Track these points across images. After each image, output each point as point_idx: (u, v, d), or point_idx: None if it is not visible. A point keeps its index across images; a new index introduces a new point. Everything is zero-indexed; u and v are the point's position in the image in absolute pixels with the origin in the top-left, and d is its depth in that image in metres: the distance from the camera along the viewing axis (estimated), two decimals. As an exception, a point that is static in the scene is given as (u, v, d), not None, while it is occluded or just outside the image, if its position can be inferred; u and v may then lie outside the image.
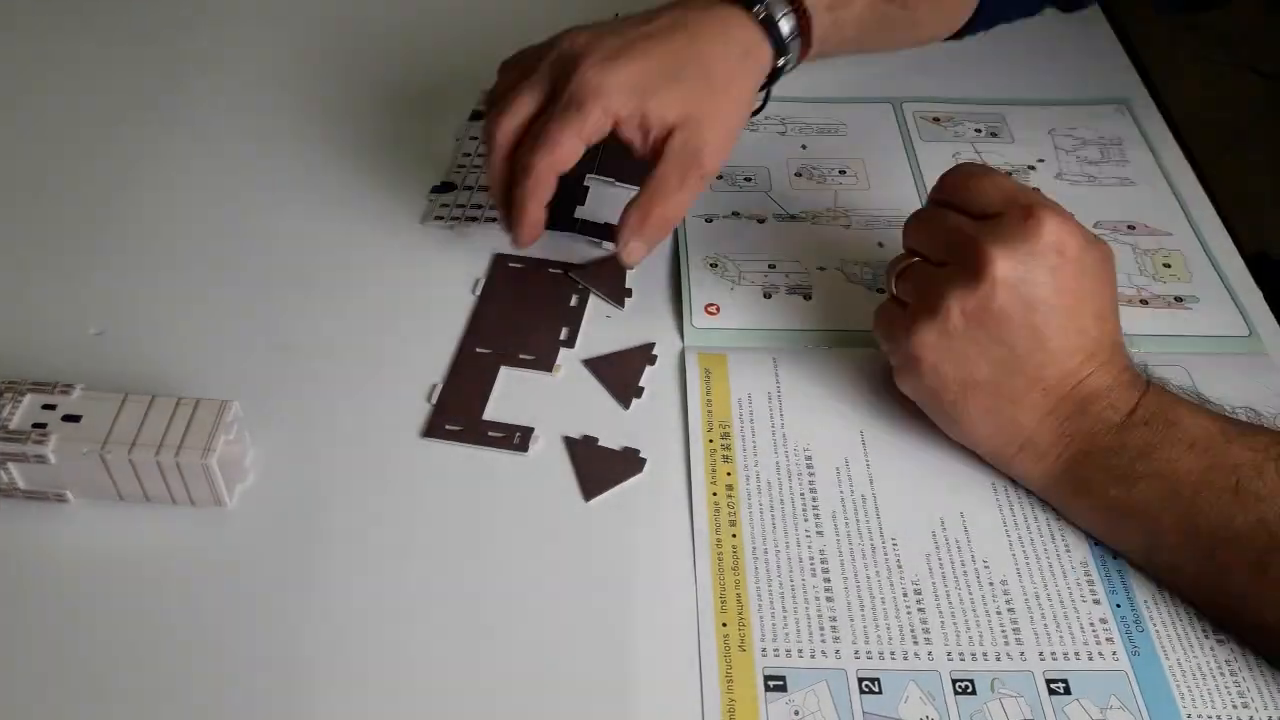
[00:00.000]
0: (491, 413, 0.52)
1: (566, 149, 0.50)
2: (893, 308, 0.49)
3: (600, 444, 0.51)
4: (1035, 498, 0.49)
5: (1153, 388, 0.46)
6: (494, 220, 0.61)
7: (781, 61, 0.55)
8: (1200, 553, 0.44)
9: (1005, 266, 0.44)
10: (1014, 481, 0.49)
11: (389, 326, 0.56)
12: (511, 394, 0.53)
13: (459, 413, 0.52)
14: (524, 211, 0.52)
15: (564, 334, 0.55)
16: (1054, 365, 0.45)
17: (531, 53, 0.54)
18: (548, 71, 0.52)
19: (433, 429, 0.51)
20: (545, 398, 0.53)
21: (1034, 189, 0.47)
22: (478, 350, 0.54)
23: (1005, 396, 0.46)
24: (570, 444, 0.50)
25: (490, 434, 0.51)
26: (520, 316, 0.56)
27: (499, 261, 0.59)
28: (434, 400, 0.52)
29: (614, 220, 0.61)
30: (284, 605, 0.45)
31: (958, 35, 0.68)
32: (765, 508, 0.49)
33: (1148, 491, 0.44)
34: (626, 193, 0.63)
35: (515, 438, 0.51)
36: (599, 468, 0.50)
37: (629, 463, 0.50)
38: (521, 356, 0.54)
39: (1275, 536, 0.42)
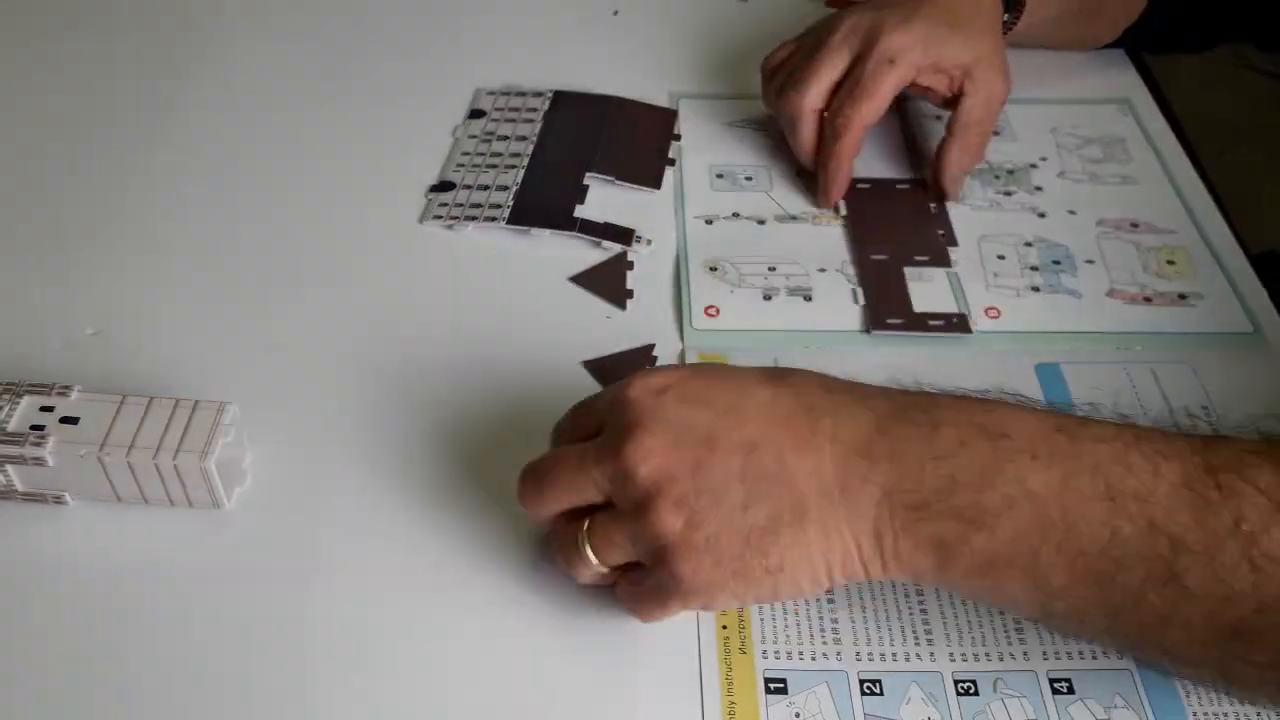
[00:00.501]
0: (491, 413, 0.52)
1: (885, 96, 0.59)
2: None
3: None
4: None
5: (941, 402, 0.39)
6: (493, 219, 0.60)
7: (1009, 18, 0.63)
8: (1099, 585, 0.36)
9: (646, 451, 0.38)
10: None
11: (387, 326, 0.56)
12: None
13: None
14: (842, 168, 0.60)
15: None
16: (774, 449, 0.38)
17: (810, 37, 0.62)
18: (847, 40, 0.60)
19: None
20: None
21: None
22: None
23: (788, 510, 0.38)
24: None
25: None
26: None
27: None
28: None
29: (614, 220, 0.61)
30: (282, 607, 0.45)
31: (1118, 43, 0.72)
32: (766, 508, 0.48)
33: (1013, 527, 0.36)
34: (626, 191, 0.63)
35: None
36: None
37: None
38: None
39: (1175, 539, 0.35)
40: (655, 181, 0.63)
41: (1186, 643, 0.37)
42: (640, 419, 0.39)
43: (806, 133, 0.61)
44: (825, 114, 0.60)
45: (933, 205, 0.62)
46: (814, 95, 0.60)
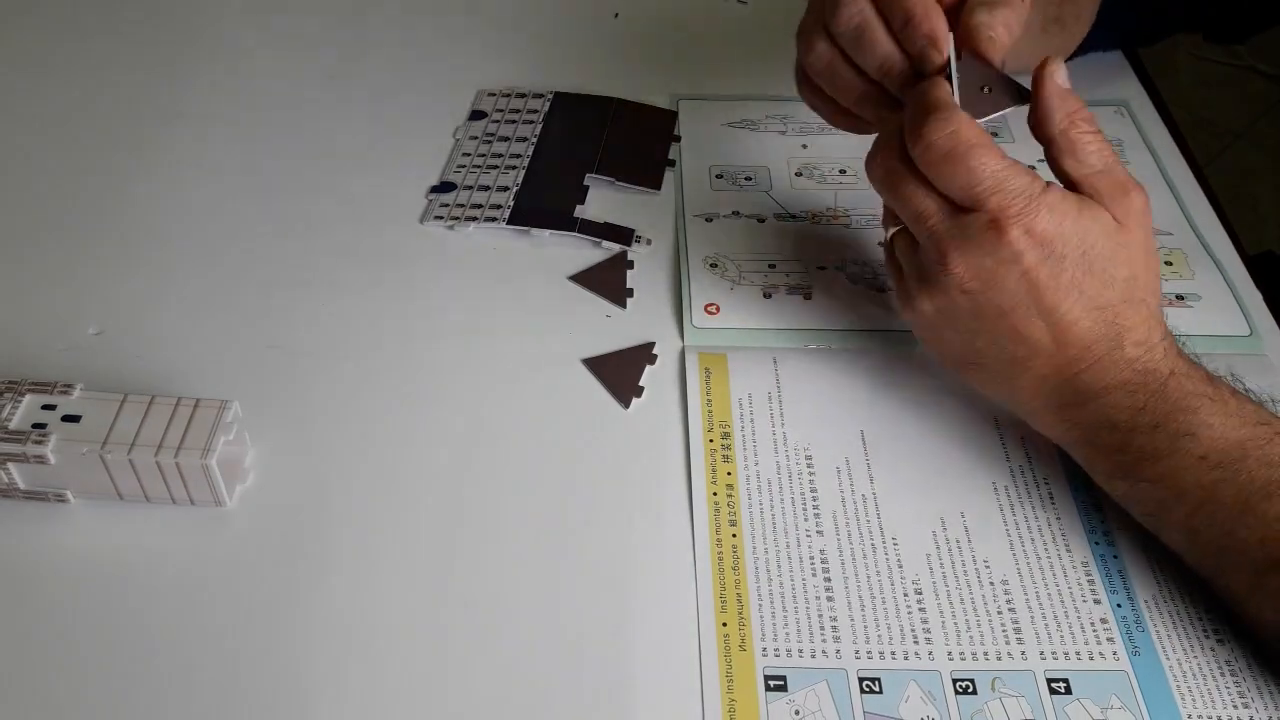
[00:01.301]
0: (491, 413, 0.52)
1: None
2: (896, 269, 0.49)
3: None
4: (1037, 498, 0.49)
5: (1172, 386, 0.44)
6: (494, 220, 0.61)
7: None
8: (1199, 553, 0.44)
9: (963, 277, 0.44)
10: (1015, 481, 0.49)
11: (388, 326, 0.56)
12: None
13: None
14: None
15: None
16: (1041, 357, 0.44)
17: None
18: None
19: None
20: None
21: (1014, 178, 0.43)
22: None
23: (1000, 375, 0.46)
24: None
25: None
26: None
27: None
28: None
29: (614, 220, 0.61)
30: (284, 605, 0.45)
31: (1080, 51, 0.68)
32: (765, 508, 0.49)
33: (1151, 492, 0.44)
34: (626, 192, 0.63)
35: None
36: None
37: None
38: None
39: (1276, 559, 0.41)
40: (655, 183, 0.64)
41: (1255, 610, 0.43)
42: (993, 251, 0.43)
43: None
44: None
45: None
46: None
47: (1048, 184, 0.44)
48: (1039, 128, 0.46)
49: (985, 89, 0.47)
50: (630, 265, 0.59)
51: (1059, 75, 0.45)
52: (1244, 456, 0.42)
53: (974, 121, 0.44)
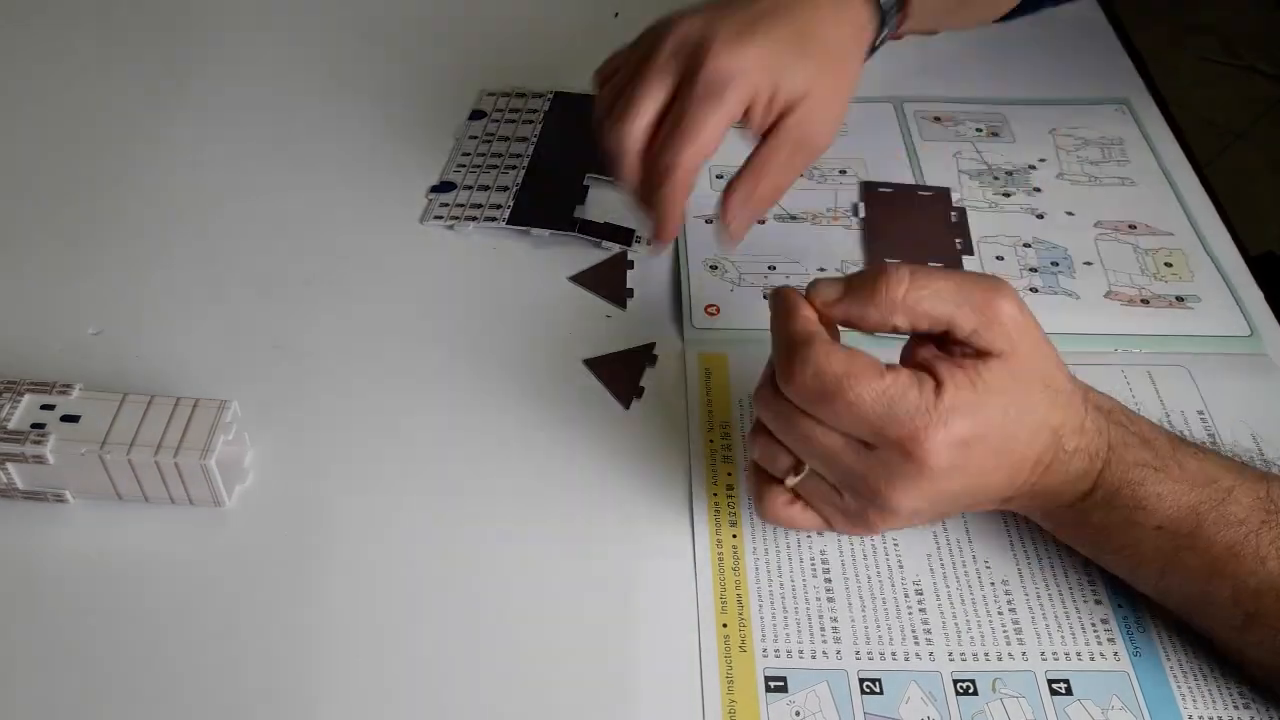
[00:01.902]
0: (491, 413, 0.52)
1: (712, 136, 0.48)
2: (808, 516, 0.44)
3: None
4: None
5: (1113, 462, 0.42)
6: (494, 220, 0.61)
7: (879, 38, 0.54)
8: (1179, 606, 0.44)
9: (906, 505, 0.41)
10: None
11: (388, 326, 0.56)
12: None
13: None
14: (672, 211, 0.50)
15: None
16: (1001, 495, 0.43)
17: (638, 49, 0.51)
18: (671, 61, 0.49)
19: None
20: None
21: (901, 399, 0.39)
22: None
23: (962, 510, 0.46)
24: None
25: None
26: None
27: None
28: None
29: (614, 220, 0.61)
30: (283, 605, 0.45)
31: (1005, 18, 0.66)
32: (766, 508, 0.48)
33: (1118, 562, 0.44)
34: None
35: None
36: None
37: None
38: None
39: (1252, 614, 0.40)
40: None
41: (1238, 654, 0.43)
42: (919, 478, 0.40)
43: (629, 172, 0.50)
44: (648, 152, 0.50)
45: (953, 214, 0.61)
46: (633, 133, 0.49)
47: (936, 384, 0.39)
48: (872, 328, 0.42)
49: None
50: (630, 265, 0.59)
51: (823, 291, 0.42)
52: (1199, 523, 0.40)
53: (834, 347, 0.40)
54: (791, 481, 0.43)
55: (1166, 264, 0.59)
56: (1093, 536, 0.43)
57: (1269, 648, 0.41)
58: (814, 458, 0.42)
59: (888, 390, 0.39)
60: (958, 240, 0.60)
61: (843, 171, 0.64)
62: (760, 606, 0.45)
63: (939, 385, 0.39)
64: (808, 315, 0.42)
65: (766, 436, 0.43)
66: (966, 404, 0.39)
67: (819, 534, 0.47)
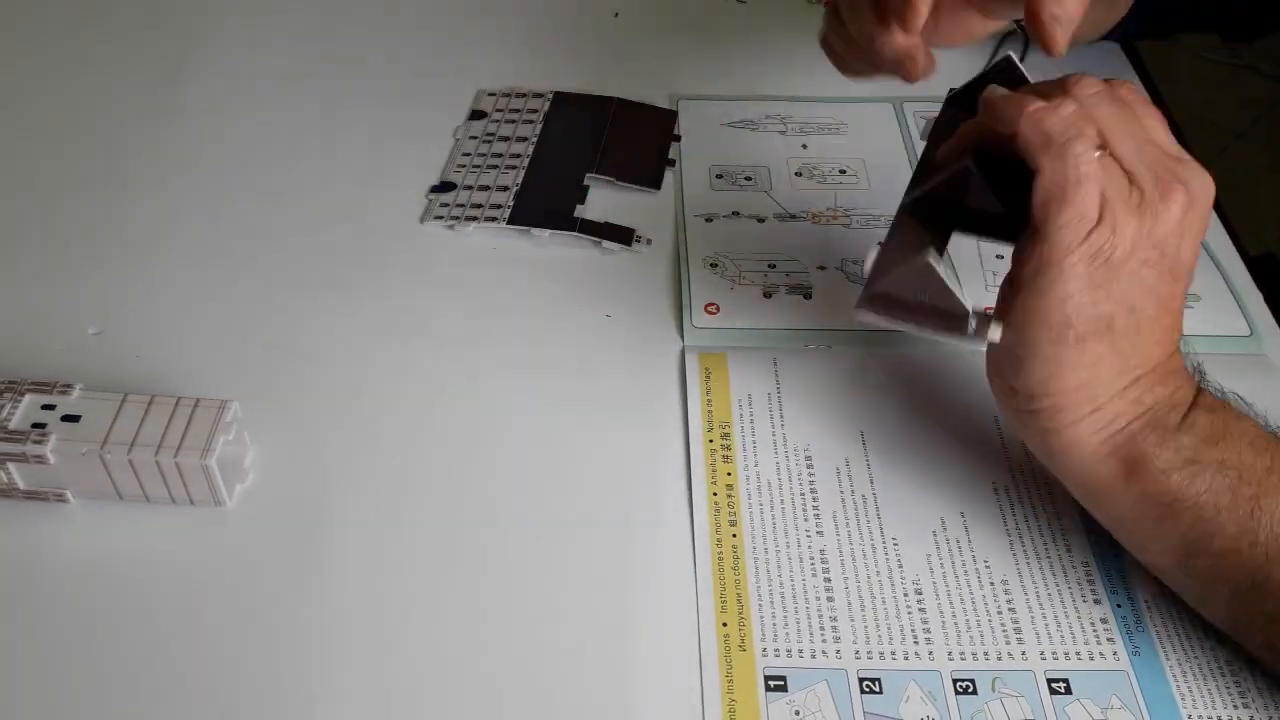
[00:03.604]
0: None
1: None
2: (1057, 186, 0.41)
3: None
4: (1037, 497, 0.49)
5: (1205, 386, 0.44)
6: (494, 220, 0.61)
7: None
8: (1250, 567, 0.41)
9: (1185, 203, 0.41)
10: (1015, 481, 0.49)
11: (388, 326, 0.56)
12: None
13: None
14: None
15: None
16: (1174, 333, 0.43)
17: None
18: None
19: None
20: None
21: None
22: None
23: (1121, 354, 0.42)
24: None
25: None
26: None
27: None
28: None
29: (615, 220, 0.61)
30: (284, 605, 0.45)
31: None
32: (765, 508, 0.49)
33: (1212, 483, 0.41)
34: (626, 192, 0.63)
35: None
36: None
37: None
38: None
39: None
40: (655, 182, 0.64)
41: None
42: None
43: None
44: None
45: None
46: None
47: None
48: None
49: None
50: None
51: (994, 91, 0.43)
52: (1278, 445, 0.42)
53: None
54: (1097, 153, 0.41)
55: (1166, 264, 0.59)
56: (1198, 446, 0.42)
57: None
58: (1135, 153, 0.42)
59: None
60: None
61: (843, 171, 0.65)
62: (760, 606, 0.45)
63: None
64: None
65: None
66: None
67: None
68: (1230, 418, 0.43)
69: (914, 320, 0.45)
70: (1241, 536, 0.41)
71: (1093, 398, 0.42)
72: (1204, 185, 0.42)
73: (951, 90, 0.49)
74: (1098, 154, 0.41)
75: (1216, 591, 0.43)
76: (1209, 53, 1.69)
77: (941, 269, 0.44)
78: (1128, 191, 0.41)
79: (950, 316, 0.44)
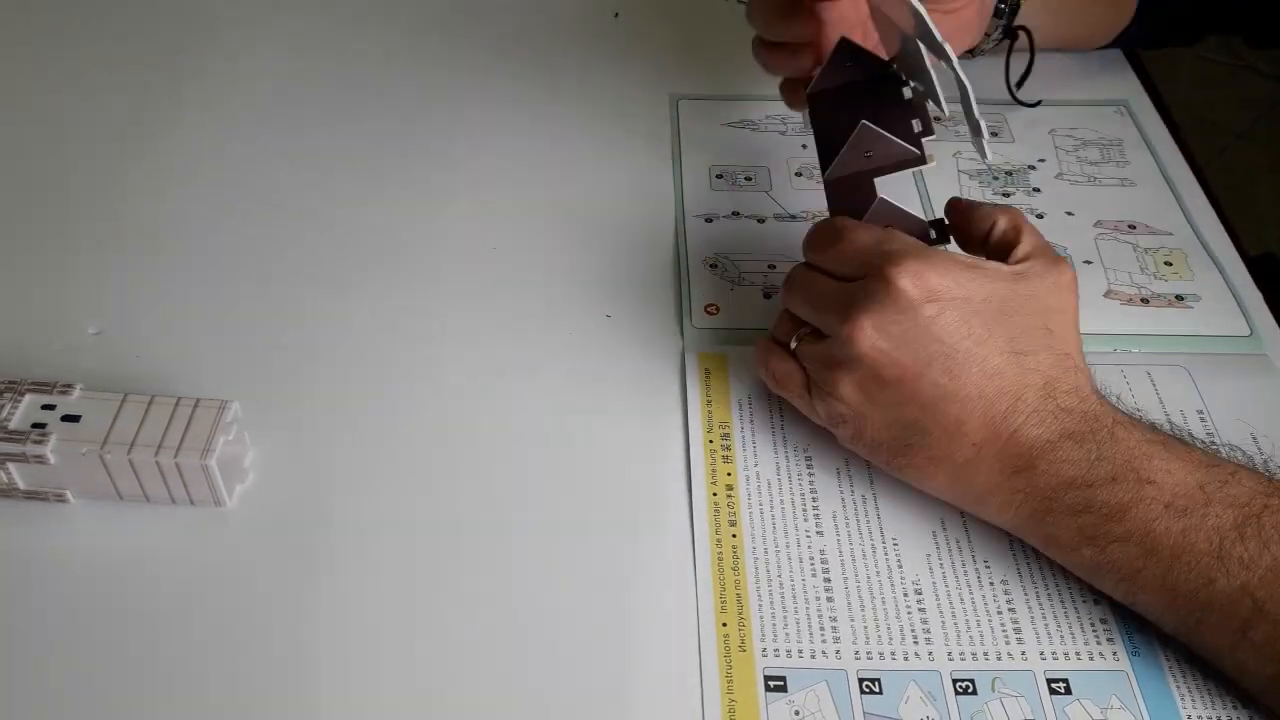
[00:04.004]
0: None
1: None
2: (795, 373, 0.48)
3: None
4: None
5: (1120, 434, 0.42)
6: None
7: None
8: (1179, 612, 0.42)
9: (870, 335, 0.43)
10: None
11: (388, 326, 0.56)
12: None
13: None
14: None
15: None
16: (971, 416, 0.43)
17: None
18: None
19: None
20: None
21: (895, 239, 0.45)
22: None
23: (938, 453, 0.44)
24: None
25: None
26: None
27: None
28: None
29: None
30: (284, 605, 0.45)
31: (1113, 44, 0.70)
32: (765, 508, 0.49)
33: (1121, 552, 0.42)
34: (626, 192, 0.63)
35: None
36: None
37: None
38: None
39: (1259, 603, 0.40)
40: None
41: (1238, 665, 0.42)
42: (887, 303, 0.43)
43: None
44: None
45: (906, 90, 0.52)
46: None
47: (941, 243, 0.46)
48: (971, 247, 0.48)
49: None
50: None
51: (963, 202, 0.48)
52: (1207, 500, 0.41)
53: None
54: (794, 343, 0.48)
55: (1166, 263, 0.59)
56: (1099, 524, 0.42)
57: (1271, 651, 0.40)
58: (809, 304, 0.47)
59: (887, 233, 0.46)
60: (915, 122, 0.50)
61: (842, 171, 0.64)
62: (760, 606, 0.45)
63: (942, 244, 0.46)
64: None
65: (781, 313, 0.49)
66: (951, 264, 0.43)
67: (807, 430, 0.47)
68: (1138, 484, 0.41)
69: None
70: (1161, 593, 0.42)
71: (965, 492, 0.46)
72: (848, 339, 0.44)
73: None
74: (794, 343, 0.48)
75: (1162, 625, 0.43)
76: (1209, 53, 1.69)
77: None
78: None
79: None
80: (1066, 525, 0.43)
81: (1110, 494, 0.42)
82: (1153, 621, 0.44)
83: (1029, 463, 0.43)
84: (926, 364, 0.43)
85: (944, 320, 0.43)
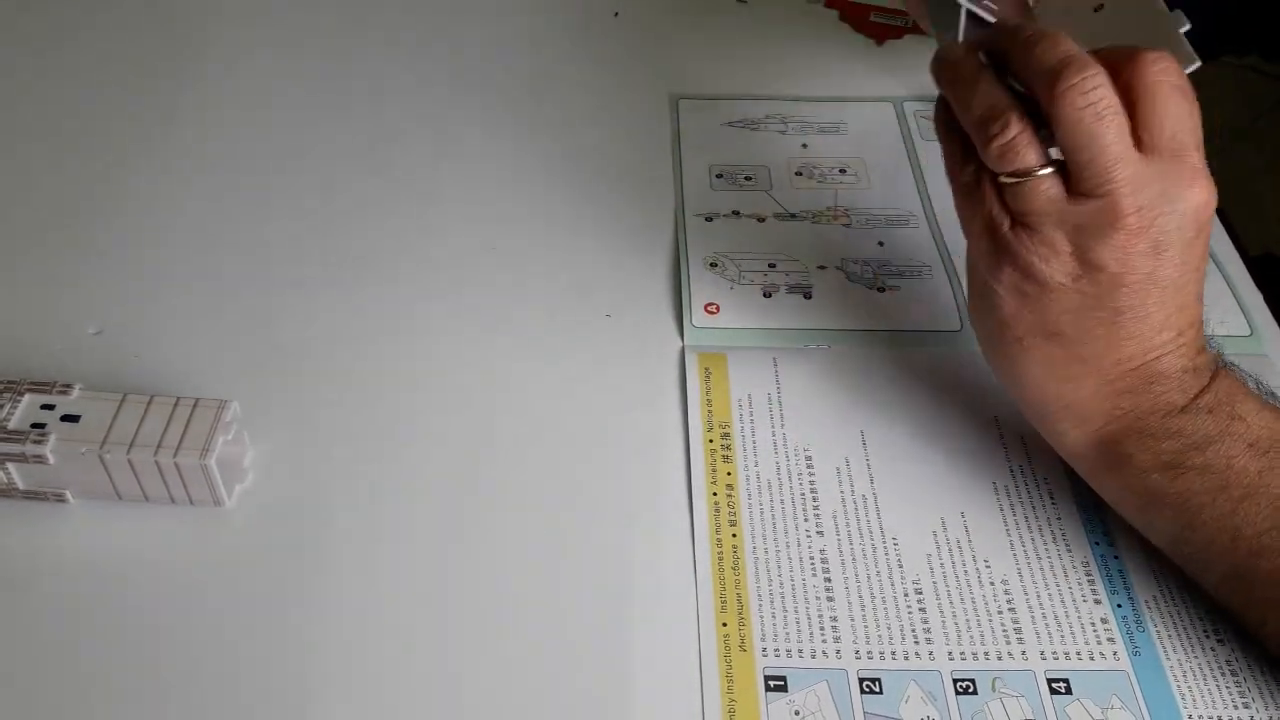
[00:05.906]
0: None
1: None
2: (989, 196, 0.42)
3: None
4: (1037, 498, 0.49)
5: (1223, 373, 0.43)
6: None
7: None
8: (1233, 558, 0.41)
9: (1148, 223, 0.39)
10: (1015, 481, 0.49)
11: (388, 326, 0.56)
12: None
13: None
14: None
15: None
16: (1141, 341, 0.41)
17: None
18: None
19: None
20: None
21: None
22: None
23: (1075, 358, 0.42)
24: None
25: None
26: None
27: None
28: None
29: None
30: (284, 605, 0.45)
31: None
32: (765, 508, 0.49)
33: (1193, 484, 0.41)
34: (627, 190, 0.63)
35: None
36: None
37: None
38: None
39: None
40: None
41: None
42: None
43: None
44: None
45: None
46: None
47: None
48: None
49: None
50: None
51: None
52: None
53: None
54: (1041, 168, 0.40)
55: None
56: (1182, 451, 0.41)
57: None
58: (1082, 144, 0.39)
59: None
60: None
61: (843, 171, 0.65)
62: (760, 606, 0.45)
63: None
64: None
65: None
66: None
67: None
68: (1229, 419, 0.42)
69: None
70: (1223, 532, 0.41)
71: (1059, 397, 0.44)
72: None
73: None
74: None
75: (1207, 574, 0.44)
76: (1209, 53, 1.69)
77: None
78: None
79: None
80: (1147, 447, 0.42)
81: (1201, 423, 0.41)
82: (1192, 575, 0.44)
83: (1144, 386, 0.42)
84: (1155, 280, 0.40)
85: (1194, 248, 0.41)
